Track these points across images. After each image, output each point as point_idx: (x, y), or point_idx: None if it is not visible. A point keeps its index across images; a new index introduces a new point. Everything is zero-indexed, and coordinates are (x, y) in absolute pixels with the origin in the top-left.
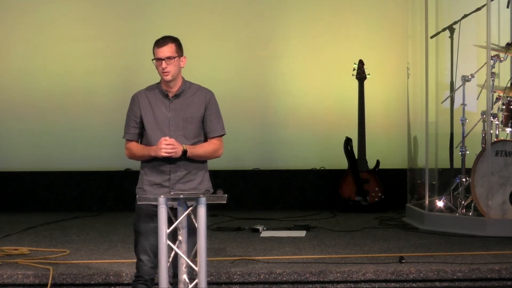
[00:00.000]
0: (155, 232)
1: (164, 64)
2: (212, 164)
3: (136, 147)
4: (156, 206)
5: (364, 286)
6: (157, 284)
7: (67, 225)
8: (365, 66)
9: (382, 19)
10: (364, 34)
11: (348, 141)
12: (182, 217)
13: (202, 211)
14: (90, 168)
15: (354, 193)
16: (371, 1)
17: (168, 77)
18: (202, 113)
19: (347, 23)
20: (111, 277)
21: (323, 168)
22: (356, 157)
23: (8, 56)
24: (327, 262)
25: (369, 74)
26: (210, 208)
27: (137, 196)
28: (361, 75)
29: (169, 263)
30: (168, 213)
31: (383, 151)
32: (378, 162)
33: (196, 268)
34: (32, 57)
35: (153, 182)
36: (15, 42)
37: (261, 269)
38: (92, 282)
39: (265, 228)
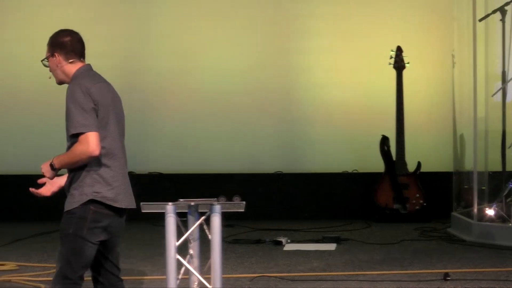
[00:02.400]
0: None
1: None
2: (227, 167)
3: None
4: None
5: None
6: None
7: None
8: (403, 54)
9: (423, 0)
10: (402, 17)
11: (384, 140)
12: (193, 227)
13: (216, 221)
14: None
15: (392, 200)
16: None
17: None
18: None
19: (383, 5)
20: None
21: (355, 171)
22: (394, 159)
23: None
24: (361, 279)
25: (408, 63)
26: (226, 217)
27: (141, 204)
28: (399, 64)
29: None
30: (177, 223)
31: (424, 152)
32: (419, 164)
33: (210, 287)
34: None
35: None
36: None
37: (285, 287)
38: None
39: (289, 241)
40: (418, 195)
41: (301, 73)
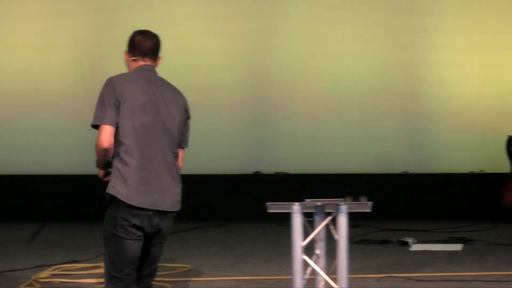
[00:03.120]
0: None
1: None
2: (353, 167)
3: None
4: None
5: None
6: None
7: (187, 236)
8: None
9: None
10: None
11: (510, 141)
12: (319, 227)
13: (343, 221)
14: (213, 170)
15: None
16: None
17: None
18: None
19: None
20: None
21: (482, 172)
22: None
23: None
24: (487, 280)
25: None
26: (352, 217)
27: (267, 204)
28: None
29: None
30: (304, 223)
31: None
32: None
33: (336, 287)
34: None
35: None
36: None
37: None
38: None
39: (415, 241)
40: None
41: (427, 74)
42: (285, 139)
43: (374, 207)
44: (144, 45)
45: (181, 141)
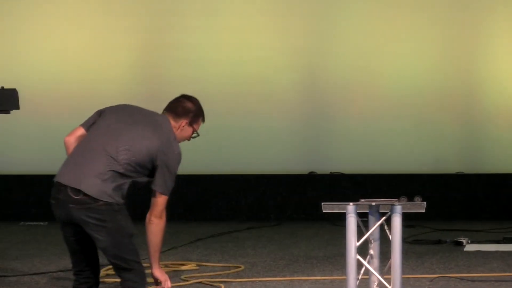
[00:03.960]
0: None
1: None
2: (407, 167)
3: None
4: None
5: None
6: None
7: (241, 236)
8: None
9: None
10: None
11: None
12: (374, 228)
13: (397, 221)
14: (268, 170)
15: None
16: None
17: None
18: None
19: None
20: None
21: None
22: None
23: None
24: None
25: None
26: (406, 217)
27: (322, 204)
28: None
29: None
30: (358, 223)
31: None
32: None
33: (390, 287)
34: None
35: None
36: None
37: None
38: None
39: (469, 241)
40: None
41: (484, 70)
42: (340, 139)
43: (428, 207)
44: (171, 103)
45: (153, 183)
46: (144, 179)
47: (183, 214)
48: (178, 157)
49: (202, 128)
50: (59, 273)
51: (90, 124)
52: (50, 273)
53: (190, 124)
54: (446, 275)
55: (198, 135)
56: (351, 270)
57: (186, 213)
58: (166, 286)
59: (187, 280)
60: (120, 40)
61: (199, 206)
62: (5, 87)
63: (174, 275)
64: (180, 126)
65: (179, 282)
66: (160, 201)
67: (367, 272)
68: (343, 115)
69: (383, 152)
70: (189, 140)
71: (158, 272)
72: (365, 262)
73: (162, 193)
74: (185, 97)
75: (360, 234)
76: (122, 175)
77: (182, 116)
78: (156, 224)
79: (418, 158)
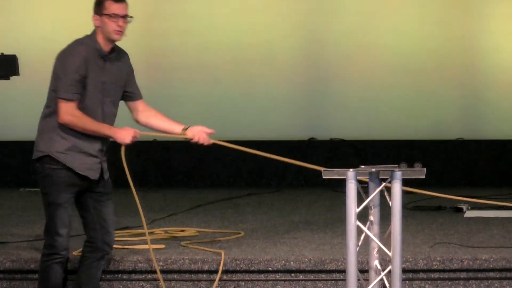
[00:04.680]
0: (72, 202)
1: (121, 22)
2: (409, 134)
3: (88, 118)
4: (77, 176)
5: None
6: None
7: (241, 203)
8: None
9: None
10: None
11: None
12: (374, 194)
13: (397, 187)
14: (269, 137)
15: None
16: None
17: (119, 37)
18: (127, 75)
19: None
20: (292, 263)
21: None
22: None
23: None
24: None
25: None
26: (407, 183)
27: (322, 170)
28: None
29: None
30: (358, 190)
31: None
32: None
33: (390, 253)
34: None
35: (81, 150)
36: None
37: (464, 255)
38: (270, 268)
39: (469, 208)
40: None
41: (483, 38)
42: (340, 106)
43: (428, 173)
44: None
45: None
46: None
47: (182, 181)
48: (60, 54)
49: (204, 94)
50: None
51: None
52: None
53: (99, 15)
54: (446, 241)
55: (119, 15)
56: (351, 236)
57: (186, 179)
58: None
59: (187, 246)
60: None
61: (199, 173)
62: (5, 53)
63: (174, 241)
64: (96, 25)
65: (179, 248)
66: (59, 106)
67: (367, 238)
68: (343, 82)
69: (383, 119)
70: (120, 28)
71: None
72: (365, 228)
73: (58, 97)
74: None
75: (360, 200)
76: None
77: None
78: (69, 122)
79: (418, 124)
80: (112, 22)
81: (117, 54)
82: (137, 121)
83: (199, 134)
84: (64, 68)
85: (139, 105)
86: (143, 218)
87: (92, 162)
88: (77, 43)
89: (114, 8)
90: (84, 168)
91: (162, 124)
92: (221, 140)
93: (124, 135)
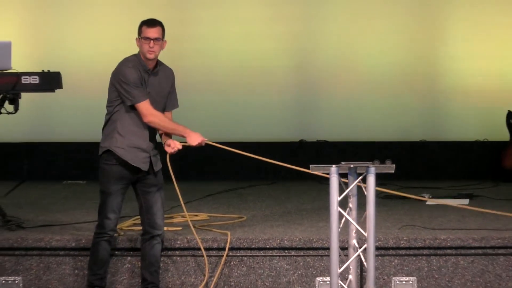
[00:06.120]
0: (122, 192)
1: (152, 43)
2: (380, 136)
3: (166, 118)
4: (127, 170)
5: None
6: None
7: (244, 192)
8: None
9: None
10: None
11: (510, 114)
12: (352, 185)
13: (371, 180)
14: (266, 138)
15: None
16: None
17: (152, 56)
18: (169, 88)
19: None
20: (285, 241)
21: (486, 140)
22: None
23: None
24: (489, 229)
25: None
26: (379, 177)
27: (310, 166)
28: None
29: None
30: (340, 182)
31: None
32: None
33: (365, 234)
34: (214, 39)
35: (135, 145)
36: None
37: (427, 235)
38: (267, 246)
39: (430, 197)
40: None
41: (442, 53)
42: (325, 112)
43: (397, 169)
44: None
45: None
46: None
47: (196, 175)
48: (117, 71)
49: (210, 103)
50: (95, 222)
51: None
52: (88, 223)
53: (138, 37)
54: (411, 224)
55: (146, 38)
56: (334, 220)
57: (199, 174)
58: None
59: (201, 228)
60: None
61: (209, 168)
62: (50, 70)
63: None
64: (137, 46)
65: (194, 229)
66: (140, 110)
67: (347, 221)
68: (328, 92)
69: (361, 123)
70: (151, 48)
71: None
72: (345, 214)
73: (134, 104)
74: None
75: (341, 191)
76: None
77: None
78: (153, 121)
79: (389, 128)
80: (145, 44)
81: (161, 70)
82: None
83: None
84: (126, 79)
85: (168, 114)
86: (184, 208)
87: (143, 156)
88: (126, 60)
89: (147, 32)
90: (136, 161)
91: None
92: (220, 142)
93: (194, 138)
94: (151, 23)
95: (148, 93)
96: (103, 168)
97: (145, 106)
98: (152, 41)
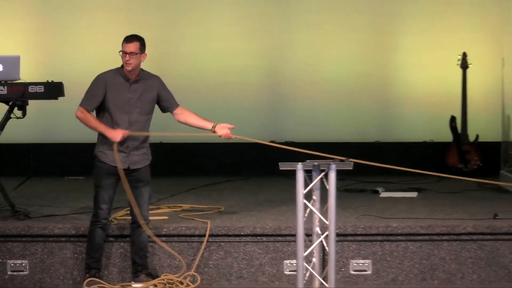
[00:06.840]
0: (113, 186)
1: (127, 57)
2: (340, 137)
3: (93, 119)
4: (113, 167)
5: (464, 238)
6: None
7: (222, 186)
8: (467, 58)
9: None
10: (466, 30)
11: (453, 119)
12: (316, 180)
13: (332, 176)
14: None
15: (457, 161)
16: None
17: (129, 68)
18: (155, 95)
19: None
20: (258, 229)
21: (432, 141)
22: (459, 132)
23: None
24: (435, 218)
25: (471, 64)
26: (339, 173)
27: (279, 163)
28: (464, 65)
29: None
30: (305, 177)
31: (481, 127)
32: (477, 136)
33: (327, 222)
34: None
35: (111, 147)
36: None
37: (380, 223)
38: (242, 233)
39: (383, 190)
40: (476, 158)
41: (394, 63)
42: (293, 116)
43: (354, 166)
44: None
45: None
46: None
47: (181, 171)
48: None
49: (192, 104)
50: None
51: None
52: (87, 213)
53: (120, 51)
54: (367, 214)
55: (123, 52)
56: (300, 210)
57: (183, 170)
58: None
59: (184, 217)
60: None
61: (192, 165)
62: (54, 81)
63: (174, 214)
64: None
65: (178, 219)
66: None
67: (311, 211)
68: (296, 99)
69: (324, 126)
70: (127, 61)
71: None
72: (309, 205)
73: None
74: None
75: (306, 185)
76: None
77: None
78: (79, 118)
79: (347, 130)
80: (123, 57)
81: (144, 78)
82: (178, 121)
83: (223, 130)
84: (88, 89)
85: (178, 110)
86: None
87: (121, 156)
88: (108, 70)
89: (124, 46)
90: (115, 161)
91: (197, 122)
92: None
93: (115, 134)
94: (129, 39)
95: (130, 98)
96: (95, 166)
97: (80, 109)
98: (128, 55)
